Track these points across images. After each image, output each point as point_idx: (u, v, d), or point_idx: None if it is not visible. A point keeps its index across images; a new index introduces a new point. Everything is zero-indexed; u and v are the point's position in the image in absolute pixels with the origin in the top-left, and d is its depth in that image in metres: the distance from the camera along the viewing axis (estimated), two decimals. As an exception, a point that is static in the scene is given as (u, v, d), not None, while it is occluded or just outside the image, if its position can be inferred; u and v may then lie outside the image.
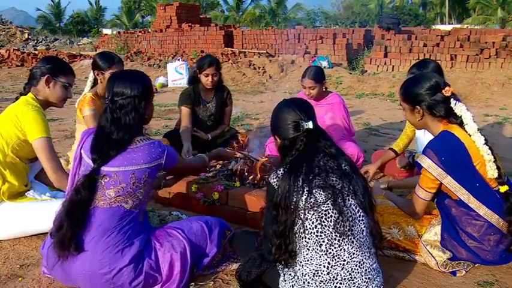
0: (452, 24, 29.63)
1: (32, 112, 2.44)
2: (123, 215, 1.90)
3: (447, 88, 2.17)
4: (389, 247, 2.32)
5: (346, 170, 1.79)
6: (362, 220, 1.75)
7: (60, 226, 1.82)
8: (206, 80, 3.86)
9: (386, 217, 2.37)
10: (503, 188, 2.11)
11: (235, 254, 2.22)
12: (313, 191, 1.69)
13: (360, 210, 1.75)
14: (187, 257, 1.98)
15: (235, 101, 8.36)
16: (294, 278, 1.74)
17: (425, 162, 2.14)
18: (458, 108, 2.16)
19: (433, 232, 2.25)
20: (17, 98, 2.61)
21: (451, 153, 2.11)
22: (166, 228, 2.07)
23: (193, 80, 4.03)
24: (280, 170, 1.79)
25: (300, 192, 1.69)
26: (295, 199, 1.69)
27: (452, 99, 2.17)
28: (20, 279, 2.08)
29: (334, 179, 1.74)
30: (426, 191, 2.19)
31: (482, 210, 2.12)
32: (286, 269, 1.78)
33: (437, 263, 2.18)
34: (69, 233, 1.80)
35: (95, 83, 3.26)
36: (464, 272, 2.17)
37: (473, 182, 2.11)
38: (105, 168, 1.89)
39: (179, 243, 1.98)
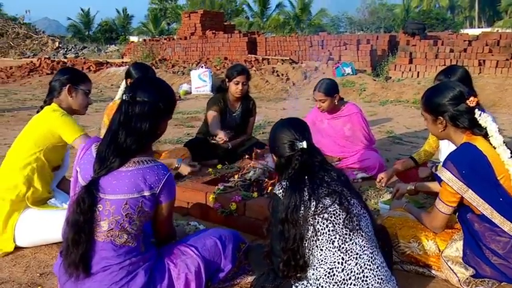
0: (482, 28, 28.91)
1: (63, 117, 2.57)
2: (119, 251, 1.78)
3: (472, 98, 2.09)
4: (409, 262, 2.26)
5: (343, 180, 1.86)
6: (365, 217, 1.82)
7: (68, 247, 1.76)
8: (236, 88, 3.88)
9: (405, 231, 2.31)
10: None
11: (251, 266, 2.20)
12: (321, 200, 1.74)
13: (363, 209, 1.82)
14: (202, 275, 1.95)
15: (258, 109, 8.40)
16: (306, 286, 1.74)
17: (445, 175, 2.07)
18: (483, 119, 2.08)
19: (454, 247, 2.17)
20: (41, 108, 2.70)
21: (472, 166, 2.04)
22: (179, 246, 2.01)
23: (221, 88, 4.05)
24: (284, 182, 1.83)
25: (307, 204, 1.73)
26: (303, 212, 1.72)
27: (476, 110, 2.09)
28: (39, 287, 2.12)
29: (334, 185, 1.80)
30: (447, 204, 2.12)
31: (507, 226, 2.03)
32: (300, 282, 1.77)
33: (459, 280, 2.11)
34: (77, 255, 1.74)
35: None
36: (488, 290, 2.09)
37: (497, 197, 2.03)
38: (99, 193, 1.74)
39: (193, 262, 1.95)
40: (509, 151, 2.04)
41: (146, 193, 1.77)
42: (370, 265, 1.71)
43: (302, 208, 1.71)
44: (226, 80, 3.96)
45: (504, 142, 2.06)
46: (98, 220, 1.75)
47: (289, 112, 7.21)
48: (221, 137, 3.63)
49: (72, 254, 1.75)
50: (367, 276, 1.69)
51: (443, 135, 2.23)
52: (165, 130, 1.99)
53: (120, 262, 1.79)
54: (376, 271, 1.72)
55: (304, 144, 1.84)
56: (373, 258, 1.73)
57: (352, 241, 1.72)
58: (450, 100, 2.11)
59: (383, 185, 3.31)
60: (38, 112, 2.70)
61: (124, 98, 1.83)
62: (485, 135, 2.09)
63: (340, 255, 1.70)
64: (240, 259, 2.18)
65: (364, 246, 1.73)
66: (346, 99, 8.93)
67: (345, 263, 1.69)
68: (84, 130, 2.62)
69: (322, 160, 1.88)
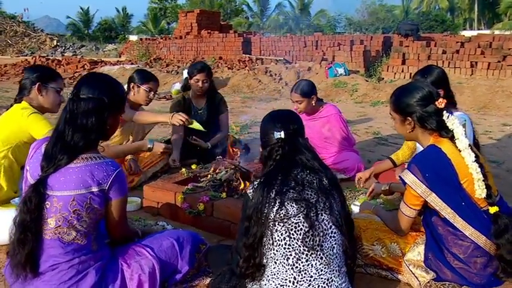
0: (481, 30, 28.85)
1: (32, 114, 2.54)
2: (68, 249, 1.75)
3: (440, 100, 2.06)
4: (372, 265, 2.23)
5: (325, 185, 1.76)
6: (333, 237, 1.72)
7: (13, 248, 1.73)
8: (196, 85, 3.87)
9: (369, 233, 2.27)
10: (493, 209, 1.98)
11: (211, 268, 2.17)
12: (285, 203, 1.68)
13: (333, 227, 1.72)
14: (157, 277, 1.92)
15: (247, 108, 8.41)
16: None
17: (409, 178, 2.04)
18: (451, 121, 2.05)
19: (416, 251, 2.14)
20: (11, 105, 2.67)
21: (436, 170, 2.00)
22: (135, 247, 1.98)
23: (185, 87, 4.05)
24: (256, 181, 1.79)
25: (272, 203, 1.68)
26: (266, 211, 1.68)
27: (445, 112, 2.06)
28: (-7, 287, 2.09)
29: (309, 193, 1.72)
30: (411, 207, 2.09)
31: (468, 230, 1.99)
32: (253, 286, 1.76)
33: (420, 283, 2.08)
34: (23, 255, 1.71)
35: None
36: (448, 294, 2.05)
37: (459, 201, 1.99)
38: (47, 190, 1.72)
39: (148, 263, 1.92)
40: (474, 155, 2.01)
41: (94, 189, 1.74)
42: (325, 287, 1.66)
43: (266, 206, 1.68)
44: (188, 77, 3.96)
45: (469, 145, 2.03)
46: (46, 217, 1.73)
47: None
48: (174, 158, 3.76)
49: (18, 254, 1.72)
50: None
51: (411, 136, 2.19)
52: (117, 126, 1.97)
53: (69, 260, 1.75)
54: None
55: (282, 134, 1.79)
56: (331, 281, 1.67)
57: (309, 262, 1.66)
58: (419, 100, 2.08)
59: (361, 185, 3.29)
60: (7, 110, 2.67)
61: (69, 96, 1.83)
62: (452, 138, 2.05)
63: (292, 274, 1.65)
64: (200, 260, 2.16)
65: (321, 271, 1.67)
66: (337, 99, 9.00)
67: (297, 283, 1.65)
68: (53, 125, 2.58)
69: (310, 158, 1.80)
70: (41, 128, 2.51)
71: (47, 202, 1.73)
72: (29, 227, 1.70)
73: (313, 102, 3.73)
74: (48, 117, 2.66)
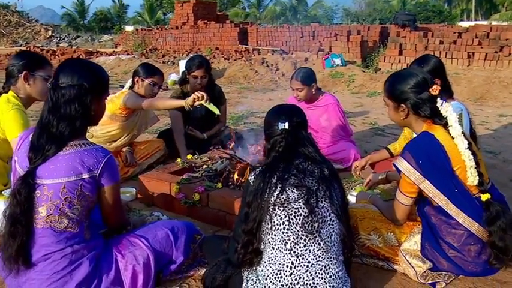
0: (478, 20, 28.78)
1: (12, 111, 2.42)
2: (60, 237, 1.73)
3: (435, 86, 2.04)
4: (368, 255, 2.22)
5: (326, 175, 1.78)
6: (332, 225, 1.73)
7: (5, 240, 1.71)
8: (195, 82, 3.81)
9: (366, 222, 2.26)
10: (485, 197, 1.98)
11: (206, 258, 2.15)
12: (286, 189, 1.70)
13: (332, 215, 1.73)
14: (151, 267, 1.91)
15: (243, 99, 8.36)
16: (255, 283, 1.72)
17: (402, 165, 2.03)
18: (444, 108, 2.05)
19: (413, 241, 2.13)
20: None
21: (428, 156, 1.99)
22: (129, 237, 1.97)
23: (183, 81, 3.99)
24: (258, 169, 1.82)
25: (273, 188, 1.70)
26: (266, 195, 1.70)
27: (439, 99, 2.05)
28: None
29: (310, 180, 1.74)
30: (406, 195, 2.08)
31: (461, 217, 1.99)
32: (249, 275, 1.76)
33: (416, 273, 2.07)
34: (14, 247, 1.69)
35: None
36: (444, 284, 2.04)
37: (452, 188, 1.99)
38: (37, 180, 1.70)
39: (142, 254, 1.90)
40: (467, 142, 2.00)
41: (85, 175, 1.73)
42: (322, 274, 1.66)
43: (267, 191, 1.69)
44: (186, 72, 3.89)
45: (463, 133, 2.02)
46: (36, 207, 1.71)
47: (276, 103, 7.13)
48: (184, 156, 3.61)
49: (9, 247, 1.70)
50: (317, 284, 1.65)
51: (404, 122, 2.18)
52: (103, 111, 1.93)
53: (62, 249, 1.73)
54: (329, 280, 1.67)
55: (286, 125, 1.81)
56: (328, 268, 1.68)
57: (306, 248, 1.66)
58: (413, 87, 2.06)
59: (357, 173, 3.27)
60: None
61: (48, 85, 1.79)
62: (446, 125, 2.04)
63: (290, 259, 1.66)
64: (195, 251, 2.14)
65: (319, 257, 1.67)
66: (334, 90, 8.95)
67: (294, 268, 1.65)
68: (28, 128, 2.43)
69: (311, 151, 1.82)
70: (14, 130, 2.38)
71: (37, 191, 1.70)
72: (19, 220, 1.68)
73: (313, 90, 3.72)
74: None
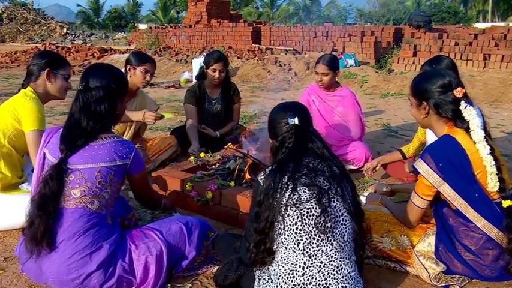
0: (495, 22, 28.37)
1: (30, 102, 2.49)
2: (90, 217, 1.86)
3: (459, 89, 2.02)
4: (381, 256, 2.20)
5: (336, 173, 1.76)
6: (344, 224, 1.71)
7: (32, 222, 1.81)
8: (213, 75, 3.82)
9: (379, 225, 2.25)
10: (506, 203, 1.95)
11: (219, 256, 2.16)
12: (298, 189, 1.68)
13: (345, 214, 1.72)
14: (164, 260, 1.94)
15: (256, 98, 8.36)
16: (267, 282, 1.71)
17: (422, 167, 2.01)
18: (467, 112, 2.01)
19: (426, 242, 2.11)
20: (18, 91, 2.65)
21: (450, 160, 1.97)
22: (144, 229, 2.03)
23: (201, 76, 4.00)
24: (268, 168, 1.79)
25: (284, 188, 1.68)
26: (278, 195, 1.68)
27: (462, 102, 2.02)
28: (1, 272, 2.10)
29: (321, 180, 1.72)
30: (422, 198, 2.06)
31: (481, 222, 1.97)
32: (261, 274, 1.75)
33: (429, 275, 2.05)
34: (41, 227, 1.78)
35: None
36: (458, 287, 2.02)
37: (472, 192, 1.97)
38: (70, 166, 1.85)
39: (155, 246, 1.94)
40: (489, 147, 1.97)
41: (118, 162, 1.91)
42: (334, 275, 1.65)
43: (278, 191, 1.67)
44: (204, 67, 3.91)
45: (485, 138, 1.99)
46: (70, 189, 1.84)
47: (288, 103, 7.11)
48: (193, 149, 3.61)
49: (35, 229, 1.79)
50: (330, 284, 1.64)
51: (426, 122, 2.17)
52: (124, 110, 2.13)
53: (88, 229, 1.84)
54: (341, 280, 1.66)
55: (296, 121, 1.81)
56: (340, 268, 1.66)
57: (319, 248, 1.65)
58: (438, 88, 2.06)
59: (369, 173, 3.26)
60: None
61: (78, 87, 1.96)
62: (468, 129, 2.02)
63: (302, 259, 1.65)
64: (208, 248, 2.16)
65: (332, 257, 1.65)
66: (346, 91, 8.85)
67: (307, 268, 1.64)
68: (42, 127, 2.47)
69: (320, 147, 1.81)
70: (31, 123, 2.44)
71: (70, 175, 1.85)
72: (48, 202, 1.80)
73: (336, 77, 3.75)
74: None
